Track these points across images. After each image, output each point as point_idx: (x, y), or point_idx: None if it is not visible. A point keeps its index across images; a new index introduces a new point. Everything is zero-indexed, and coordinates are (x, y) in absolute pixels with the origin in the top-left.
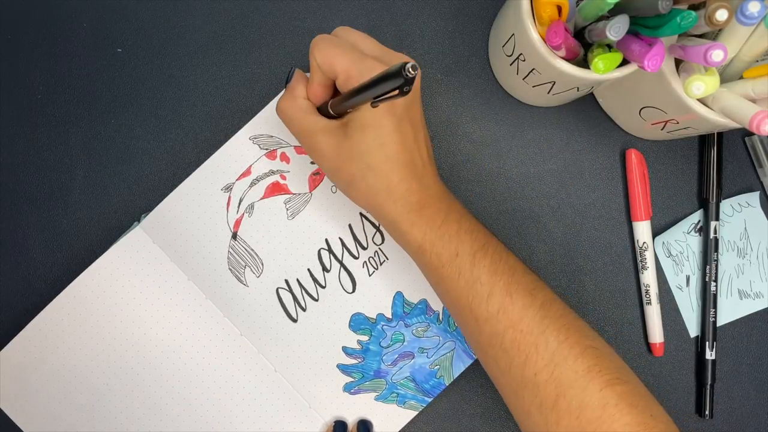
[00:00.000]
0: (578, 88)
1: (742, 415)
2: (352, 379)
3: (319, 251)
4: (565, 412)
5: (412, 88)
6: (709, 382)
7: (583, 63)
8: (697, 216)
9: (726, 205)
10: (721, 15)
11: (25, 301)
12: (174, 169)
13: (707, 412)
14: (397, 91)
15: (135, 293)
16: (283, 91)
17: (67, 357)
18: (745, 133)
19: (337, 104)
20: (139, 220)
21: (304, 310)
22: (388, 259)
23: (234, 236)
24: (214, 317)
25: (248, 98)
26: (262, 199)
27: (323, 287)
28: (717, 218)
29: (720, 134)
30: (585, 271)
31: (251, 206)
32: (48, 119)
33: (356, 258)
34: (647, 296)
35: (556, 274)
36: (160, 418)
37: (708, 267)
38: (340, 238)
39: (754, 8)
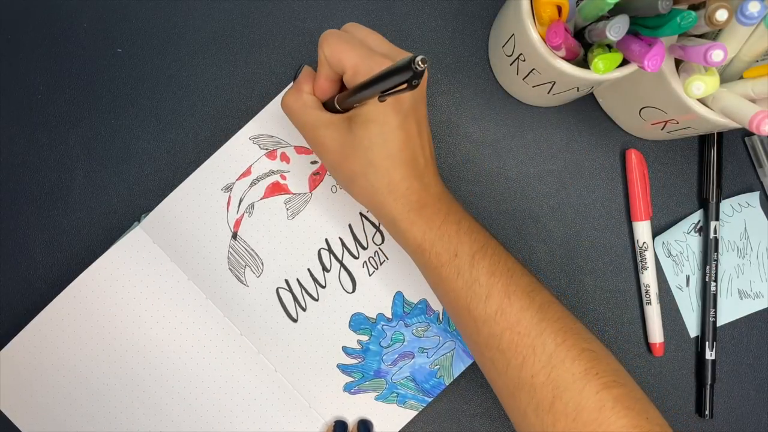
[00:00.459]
0: (578, 88)
1: (742, 415)
2: (352, 379)
3: (319, 251)
4: (562, 414)
5: (419, 86)
6: (709, 382)
7: (583, 63)
8: (697, 216)
9: (726, 205)
10: (721, 15)
11: (25, 301)
12: (174, 169)
13: (707, 412)
14: (405, 85)
15: (135, 293)
16: (289, 86)
17: (67, 357)
18: (745, 133)
19: (344, 98)
20: (139, 220)
21: (304, 310)
22: (388, 259)
23: (234, 236)
24: (214, 317)
25: (248, 98)
26: (262, 199)
27: (323, 287)
28: (717, 218)
29: (720, 134)
30: (585, 271)
31: (251, 206)
32: (48, 119)
33: (356, 258)
34: (647, 296)
35: (556, 274)
36: (160, 418)
37: (708, 267)
38: (340, 238)
39: (754, 8)
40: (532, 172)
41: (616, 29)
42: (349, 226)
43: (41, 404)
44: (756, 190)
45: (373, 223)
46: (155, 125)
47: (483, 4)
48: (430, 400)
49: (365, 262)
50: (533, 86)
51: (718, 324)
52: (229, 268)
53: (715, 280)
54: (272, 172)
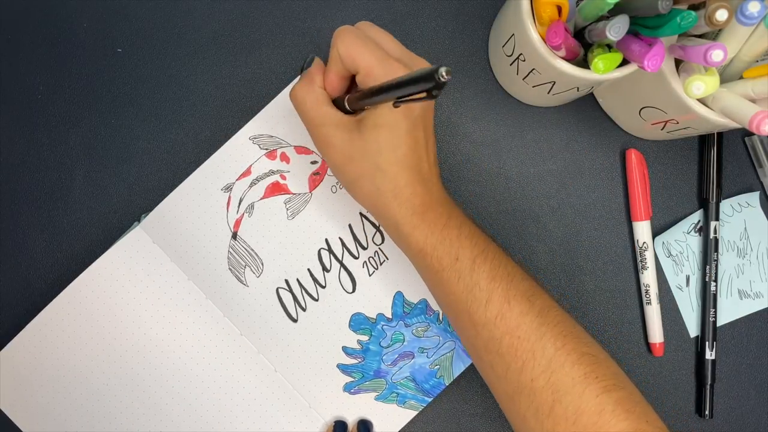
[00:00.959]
0: (578, 88)
1: (742, 415)
2: (352, 379)
3: (319, 251)
4: (562, 418)
5: None
6: (709, 382)
7: (583, 63)
8: (697, 216)
9: (726, 205)
10: (721, 15)
11: (25, 301)
12: (174, 169)
13: (707, 412)
14: (424, 94)
15: (135, 293)
16: (298, 78)
17: (67, 357)
18: (745, 133)
19: (355, 100)
20: (139, 220)
21: (304, 310)
22: (388, 259)
23: (234, 236)
24: (214, 317)
25: (248, 98)
26: (262, 199)
27: (323, 287)
28: (717, 218)
29: (720, 134)
30: (585, 271)
31: (251, 206)
32: (48, 119)
33: (356, 258)
34: (647, 296)
35: (556, 274)
36: (160, 418)
37: (708, 267)
38: (340, 238)
39: (754, 8)
40: (532, 172)
41: (616, 29)
42: (349, 226)
43: (41, 404)
44: (756, 190)
45: (373, 223)
46: (155, 125)
47: (483, 4)
48: (430, 400)
49: (365, 262)
50: (533, 86)
51: (718, 324)
52: (229, 268)
53: (715, 280)
54: (272, 172)
